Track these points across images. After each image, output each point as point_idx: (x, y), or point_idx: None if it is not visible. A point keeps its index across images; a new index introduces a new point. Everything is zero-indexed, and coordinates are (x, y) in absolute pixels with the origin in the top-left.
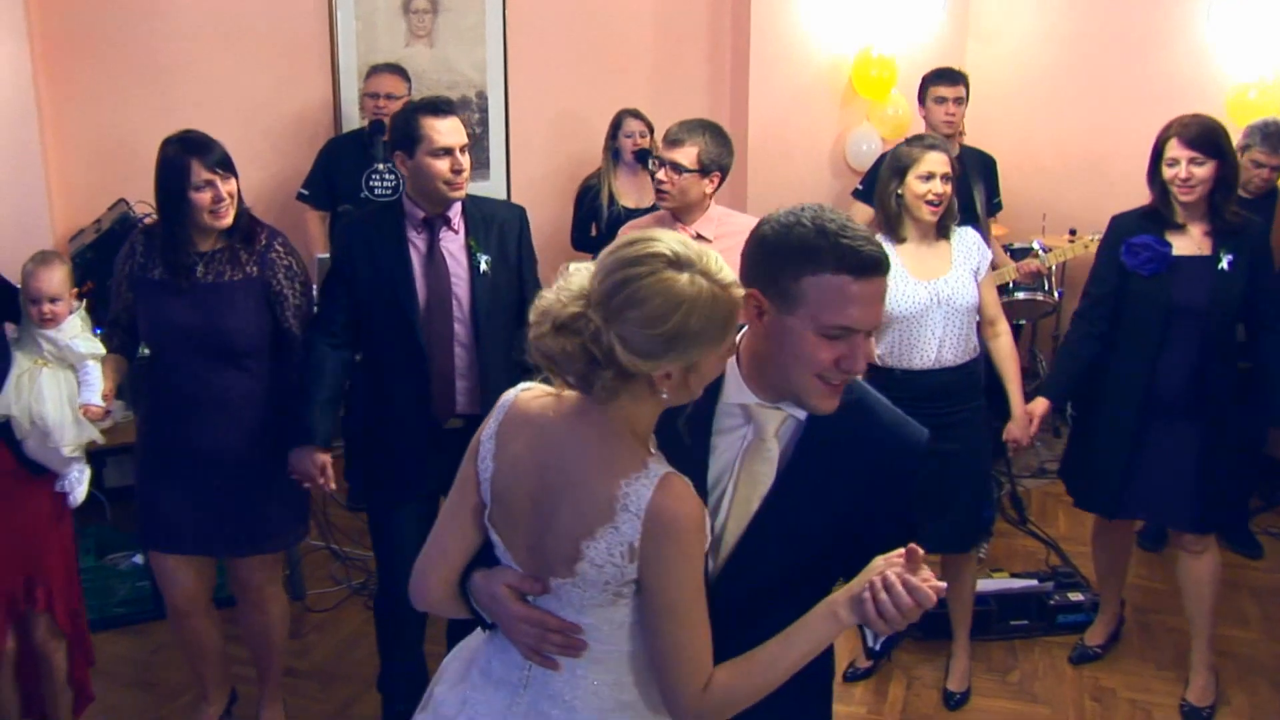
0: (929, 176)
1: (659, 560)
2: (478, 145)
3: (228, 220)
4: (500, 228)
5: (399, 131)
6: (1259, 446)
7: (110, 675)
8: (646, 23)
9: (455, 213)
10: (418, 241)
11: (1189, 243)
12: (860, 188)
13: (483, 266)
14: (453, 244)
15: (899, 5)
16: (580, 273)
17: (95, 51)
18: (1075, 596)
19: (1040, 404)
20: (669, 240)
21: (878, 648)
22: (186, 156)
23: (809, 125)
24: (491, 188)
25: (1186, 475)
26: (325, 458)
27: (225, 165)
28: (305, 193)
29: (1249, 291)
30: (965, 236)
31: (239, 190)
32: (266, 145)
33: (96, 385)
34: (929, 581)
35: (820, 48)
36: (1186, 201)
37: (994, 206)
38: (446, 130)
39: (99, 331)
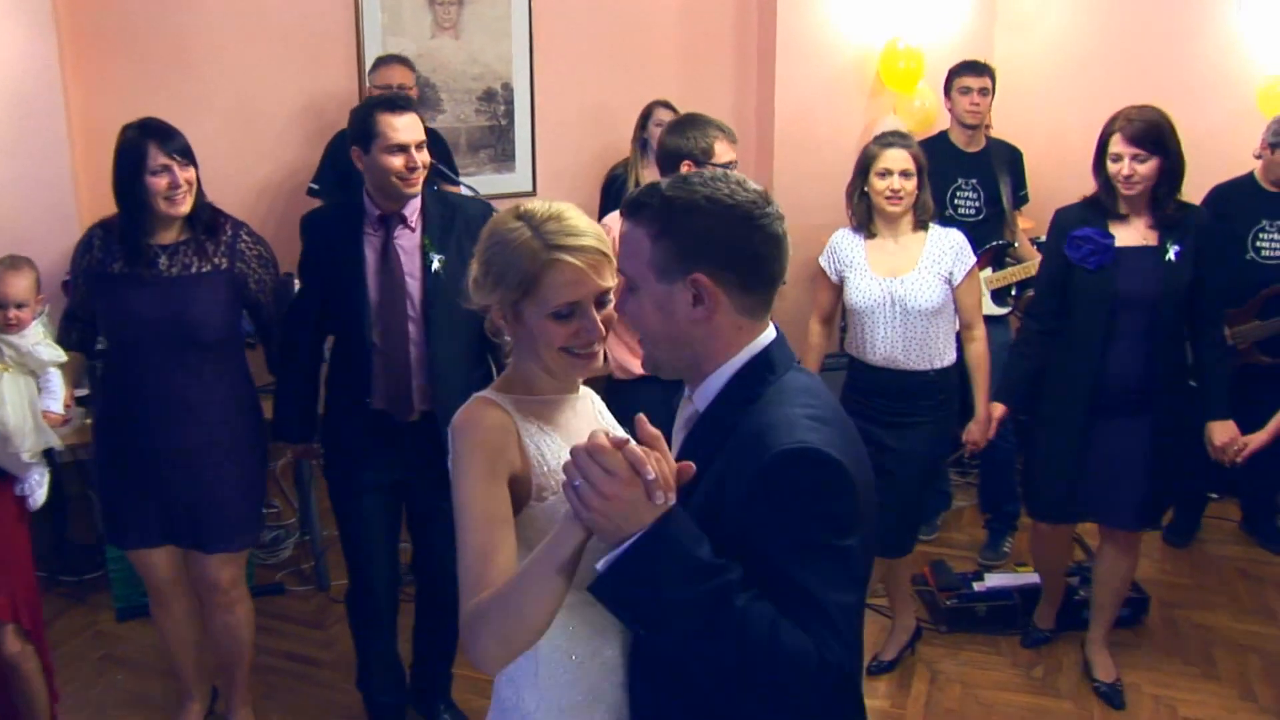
0: (886, 173)
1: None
2: (503, 138)
3: (183, 208)
4: (465, 225)
5: (356, 128)
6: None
7: (136, 664)
8: (672, 14)
9: (412, 211)
10: (373, 239)
11: (1134, 234)
12: None
13: (435, 265)
14: (408, 242)
15: None
16: None
17: (122, 42)
18: None
19: (996, 408)
20: (549, 203)
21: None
22: (145, 141)
23: (836, 117)
24: (517, 180)
25: (1133, 475)
26: (314, 446)
27: (184, 153)
28: (315, 187)
29: (1194, 284)
30: (945, 238)
31: (199, 181)
32: (291, 136)
33: (58, 392)
34: (622, 446)
35: (847, 39)
36: (1129, 196)
37: (1020, 199)
38: (402, 127)
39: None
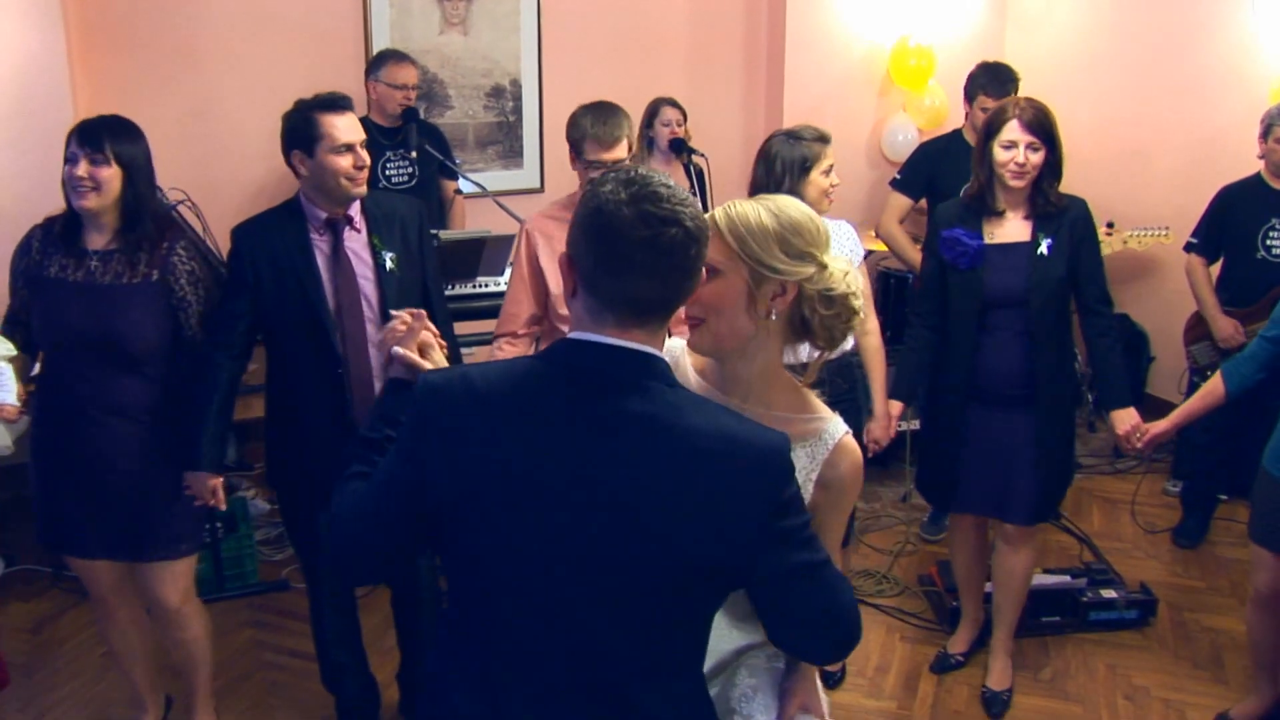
0: (830, 170)
1: None
2: (511, 134)
3: (84, 203)
4: (401, 223)
5: (296, 131)
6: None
7: None
8: (681, 10)
9: (356, 211)
10: (321, 243)
11: (1008, 230)
12: (898, 177)
13: (388, 264)
14: (356, 243)
15: None
16: None
17: (129, 39)
18: (1108, 594)
19: (894, 405)
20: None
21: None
22: (73, 130)
23: (845, 115)
24: (525, 177)
25: (1018, 469)
26: (216, 481)
27: (101, 150)
28: None
29: (1073, 273)
30: (838, 230)
31: (129, 186)
32: None
33: (10, 385)
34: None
35: (857, 37)
36: (1016, 188)
37: None
38: (346, 127)
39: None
